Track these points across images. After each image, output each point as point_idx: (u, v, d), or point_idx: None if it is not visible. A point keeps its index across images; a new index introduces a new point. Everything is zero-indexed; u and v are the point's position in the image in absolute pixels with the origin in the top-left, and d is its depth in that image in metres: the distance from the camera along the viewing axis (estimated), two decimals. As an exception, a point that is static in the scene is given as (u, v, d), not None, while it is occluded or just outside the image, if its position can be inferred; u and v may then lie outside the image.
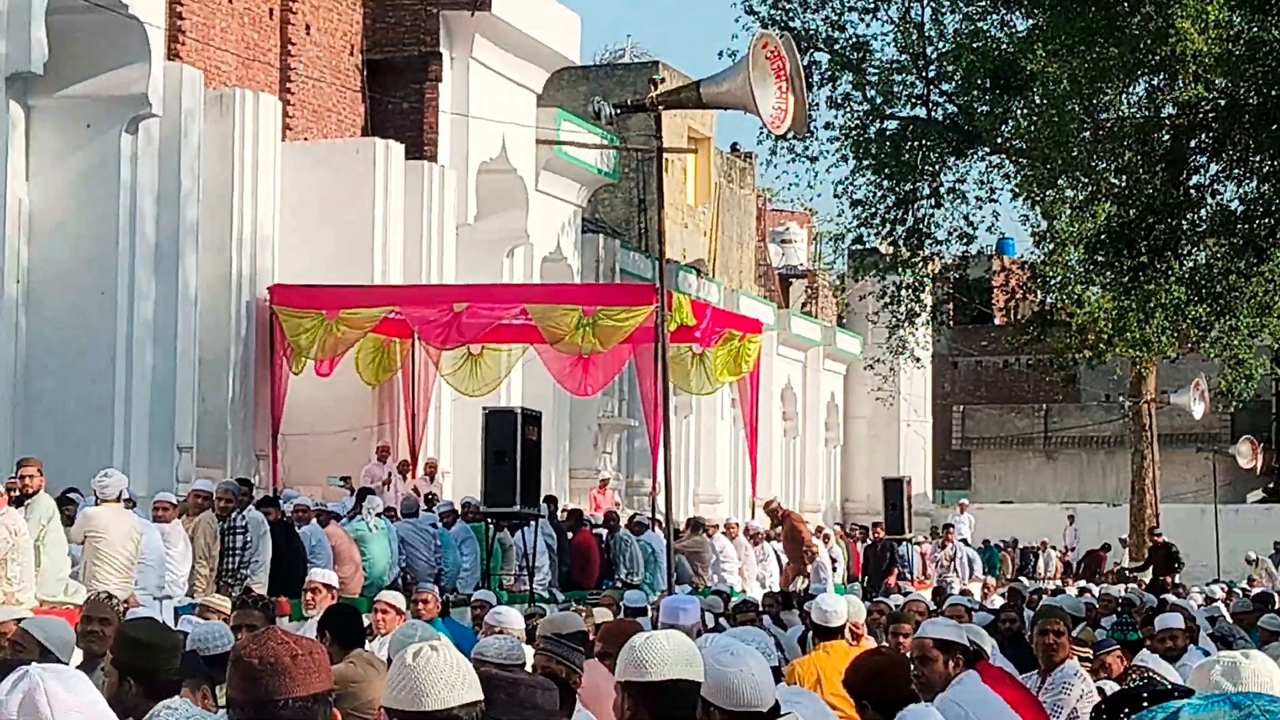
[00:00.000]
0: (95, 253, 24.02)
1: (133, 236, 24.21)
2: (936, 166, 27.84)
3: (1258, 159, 23.06)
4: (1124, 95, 24.80)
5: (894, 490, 39.23)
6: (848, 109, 28.47)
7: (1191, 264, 24.86)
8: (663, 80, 32.99)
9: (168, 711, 6.61)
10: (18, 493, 17.36)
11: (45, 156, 24.01)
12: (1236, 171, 23.60)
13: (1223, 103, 22.87)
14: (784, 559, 27.33)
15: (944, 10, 28.00)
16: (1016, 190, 29.69)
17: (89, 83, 23.80)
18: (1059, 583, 30.32)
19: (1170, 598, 23.55)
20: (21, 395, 22.90)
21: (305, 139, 27.96)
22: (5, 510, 16.56)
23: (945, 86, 28.40)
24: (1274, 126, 22.29)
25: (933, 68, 28.34)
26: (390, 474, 25.51)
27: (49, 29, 22.46)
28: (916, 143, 28.02)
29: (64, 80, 23.34)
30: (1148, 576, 33.51)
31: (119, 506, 18.00)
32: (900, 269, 29.62)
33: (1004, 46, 26.31)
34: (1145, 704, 5.39)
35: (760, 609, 17.86)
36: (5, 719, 4.11)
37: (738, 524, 28.59)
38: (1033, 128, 26.47)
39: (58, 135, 24.04)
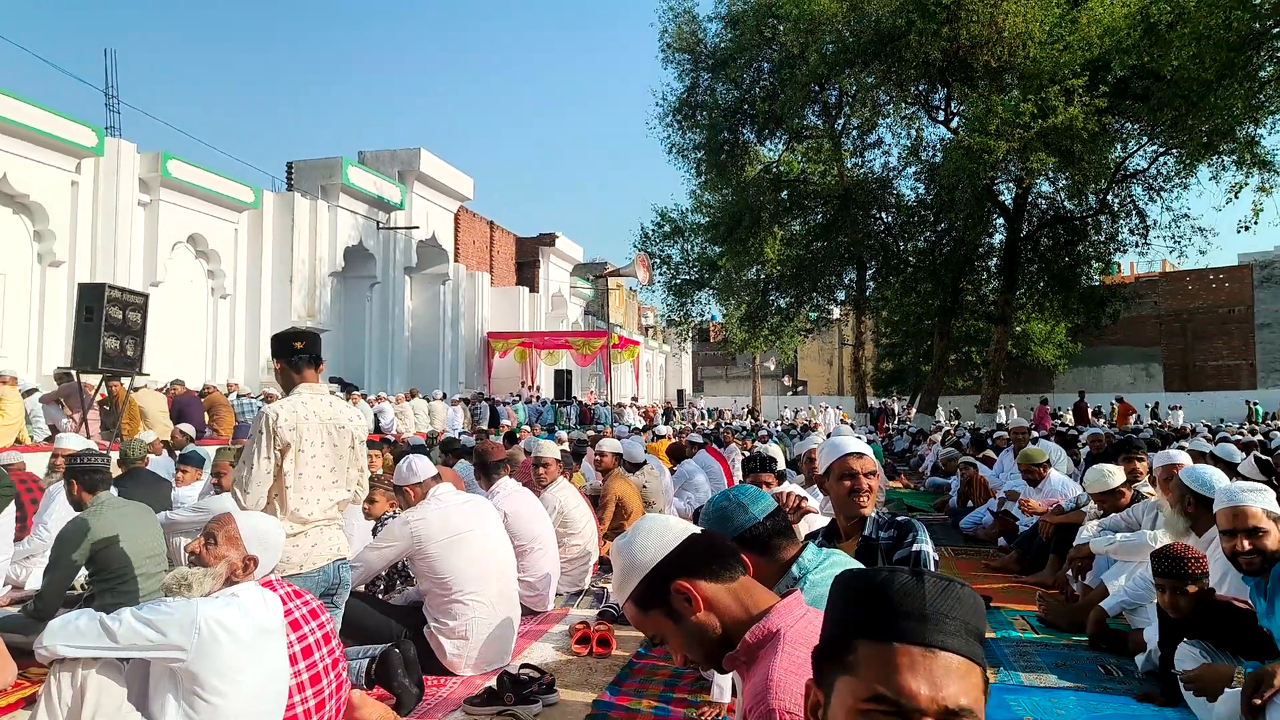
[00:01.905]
0: (429, 324, 23.69)
1: (443, 318, 23.84)
2: (693, 293, 27.47)
3: (792, 293, 23.06)
4: (745, 273, 24.56)
5: (681, 394, 39.49)
6: (665, 274, 27.90)
7: (769, 326, 24.70)
8: (606, 266, 32.79)
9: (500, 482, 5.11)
10: (409, 398, 17.18)
11: (417, 292, 23.60)
12: (783, 296, 23.64)
13: (780, 274, 22.90)
14: (645, 420, 27.28)
15: (693, 248, 27.34)
16: (717, 300, 29.33)
17: (428, 269, 23.32)
18: (730, 420, 30.23)
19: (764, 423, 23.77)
20: (411, 373, 22.47)
21: (497, 286, 27.63)
22: (402, 406, 16.19)
23: (695, 268, 27.97)
24: (800, 283, 22.26)
25: (691, 262, 28.16)
26: (525, 390, 25.22)
27: (417, 252, 22.19)
28: (686, 286, 27.68)
29: (422, 267, 22.96)
30: (750, 419, 33.55)
31: (441, 402, 17.75)
32: (680, 324, 29.23)
33: (714, 256, 25.83)
34: (757, 460, 5.25)
35: (640, 431, 17.28)
36: (402, 473, 4.06)
37: (633, 404, 28.39)
38: (719, 281, 26.24)
39: (420, 287, 23.57)
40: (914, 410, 29.12)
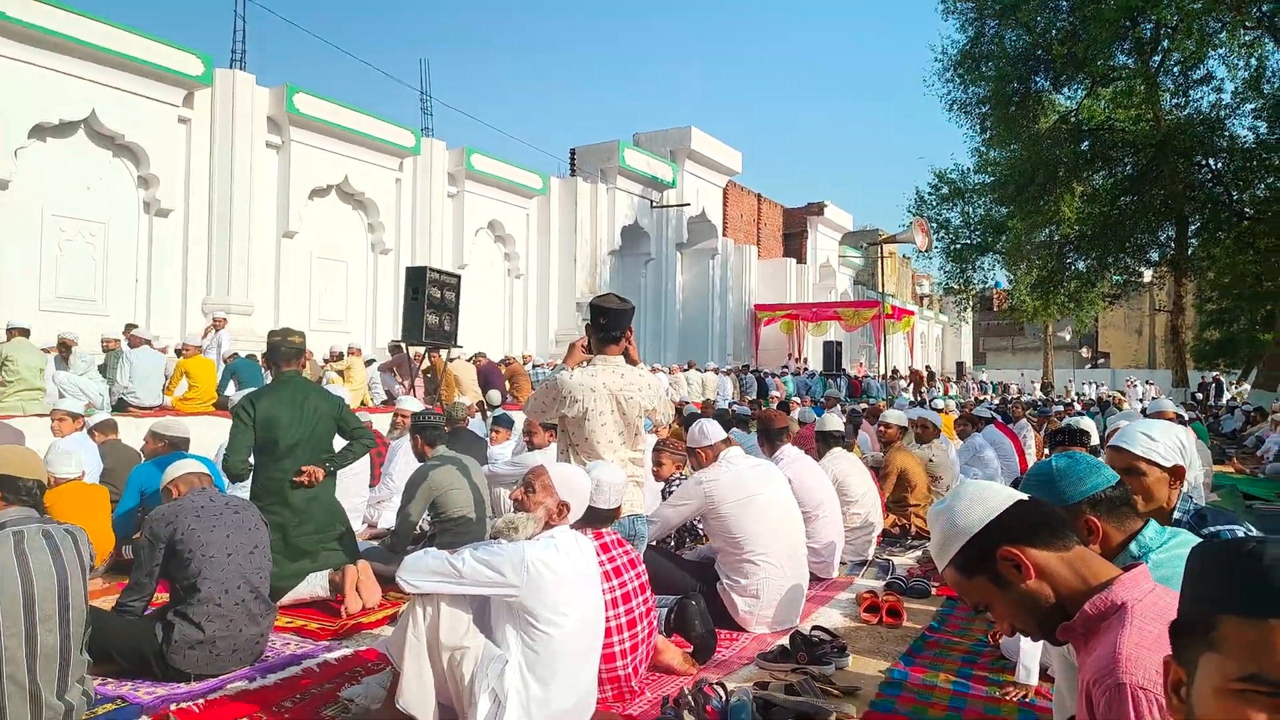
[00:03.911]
0: (699, 297, 24.23)
1: (711, 291, 24.35)
2: (975, 257, 25.58)
3: (1093, 255, 20.84)
4: (1036, 235, 22.52)
5: (960, 366, 36.90)
6: (943, 240, 26.27)
7: (1066, 292, 22.53)
8: (879, 233, 31.57)
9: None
10: (684, 369, 17.52)
11: (688, 267, 24.24)
12: (1083, 259, 21.48)
13: (1079, 234, 20.82)
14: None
15: (975, 210, 25.41)
16: (1003, 266, 27.18)
17: (698, 245, 23.87)
18: (1017, 394, 27.72)
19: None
20: (682, 345, 22.98)
21: (764, 259, 27.60)
22: (676, 376, 16.06)
23: (977, 232, 26.03)
24: (1103, 244, 20.03)
25: (973, 225, 26.23)
26: (792, 362, 24.95)
27: (688, 228, 22.76)
28: (967, 251, 25.82)
29: (692, 243, 23.53)
30: (1042, 394, 30.53)
31: (713, 373, 17.44)
32: (960, 293, 27.43)
33: (1000, 218, 23.94)
34: (1067, 433, 4.75)
35: (915, 404, 15.83)
36: (694, 436, 4.20)
37: (896, 376, 26.98)
38: (1006, 244, 24.30)
39: (690, 262, 24.18)
40: (1248, 385, 25.17)
